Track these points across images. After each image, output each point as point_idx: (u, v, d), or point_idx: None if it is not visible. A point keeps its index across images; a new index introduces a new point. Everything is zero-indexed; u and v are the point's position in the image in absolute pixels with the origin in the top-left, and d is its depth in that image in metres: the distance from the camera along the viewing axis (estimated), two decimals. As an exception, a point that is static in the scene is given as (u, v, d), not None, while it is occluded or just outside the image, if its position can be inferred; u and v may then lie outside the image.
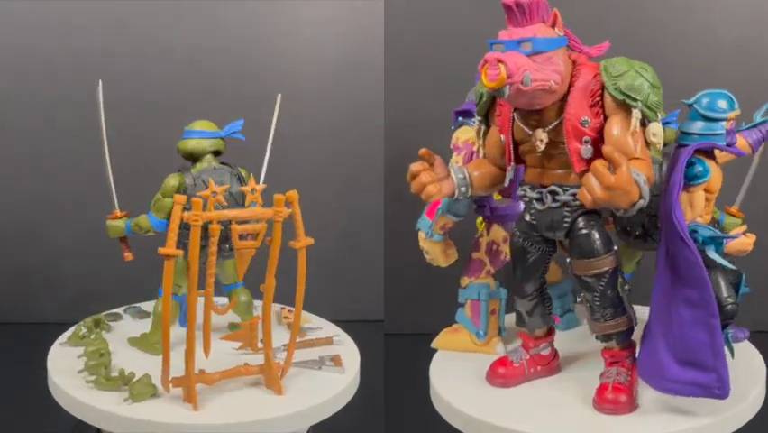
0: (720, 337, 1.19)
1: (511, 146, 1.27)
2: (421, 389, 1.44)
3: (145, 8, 2.09)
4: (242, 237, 1.30)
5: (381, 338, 2.04)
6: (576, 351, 1.48)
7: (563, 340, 1.49)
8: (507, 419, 1.26)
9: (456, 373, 1.42)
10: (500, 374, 1.36)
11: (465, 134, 1.45)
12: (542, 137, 1.22)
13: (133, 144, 2.06)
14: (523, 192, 1.30)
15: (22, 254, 2.16)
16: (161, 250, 1.24)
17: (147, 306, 1.73)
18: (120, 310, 1.71)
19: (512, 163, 1.28)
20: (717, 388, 1.19)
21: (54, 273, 2.17)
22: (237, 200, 1.52)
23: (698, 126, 1.27)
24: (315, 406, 1.35)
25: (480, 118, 1.33)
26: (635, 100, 1.17)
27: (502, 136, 1.28)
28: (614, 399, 1.25)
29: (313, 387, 1.40)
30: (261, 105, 2.15)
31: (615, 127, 1.18)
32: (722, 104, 1.28)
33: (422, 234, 1.46)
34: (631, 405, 1.26)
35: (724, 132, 1.26)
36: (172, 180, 1.51)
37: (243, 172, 1.58)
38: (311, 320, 1.66)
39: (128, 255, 1.62)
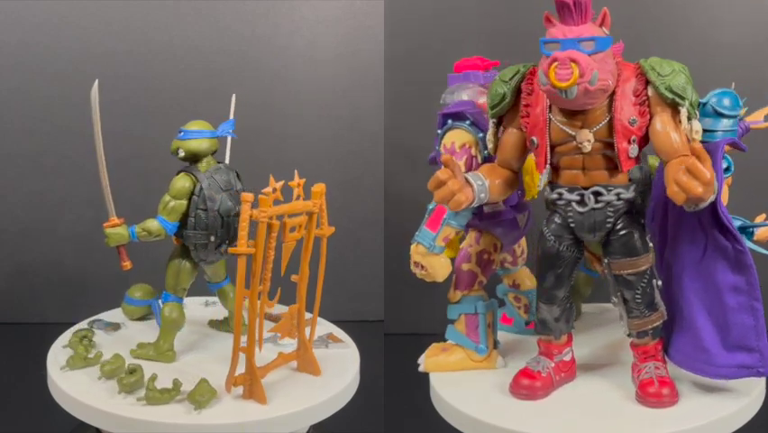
0: (763, 319, 1.24)
1: (547, 148, 1.25)
2: (421, 389, 1.44)
3: (145, 8, 2.09)
4: (290, 230, 1.35)
5: (381, 338, 2.04)
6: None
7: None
8: (507, 420, 1.26)
9: (456, 374, 1.43)
10: (526, 386, 1.32)
11: (461, 138, 1.40)
12: (589, 138, 1.22)
13: (129, 145, 2.07)
14: (557, 195, 1.27)
15: (22, 254, 2.16)
16: (233, 249, 1.27)
17: (110, 316, 1.69)
18: (84, 325, 1.63)
19: (547, 166, 1.26)
20: (761, 366, 1.25)
21: (54, 273, 2.17)
22: (234, 195, 1.53)
23: (707, 123, 1.30)
24: (315, 406, 1.35)
25: (495, 120, 1.32)
26: (683, 99, 1.19)
27: (534, 138, 1.26)
28: (657, 392, 1.27)
29: (313, 387, 1.40)
30: (261, 104, 2.15)
31: (664, 126, 1.21)
32: (730, 101, 1.33)
33: (420, 249, 1.36)
34: (674, 397, 1.27)
35: (737, 128, 1.31)
36: (183, 182, 1.48)
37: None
38: (273, 305, 1.69)
39: (127, 264, 1.53)
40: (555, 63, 1.15)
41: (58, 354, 1.50)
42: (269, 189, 1.29)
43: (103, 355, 1.45)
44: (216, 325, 1.66)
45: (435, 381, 1.41)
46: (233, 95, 1.65)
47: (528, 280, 1.59)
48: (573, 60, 1.14)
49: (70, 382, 1.39)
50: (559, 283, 1.30)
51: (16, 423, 1.66)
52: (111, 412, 1.30)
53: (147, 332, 1.59)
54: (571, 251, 1.29)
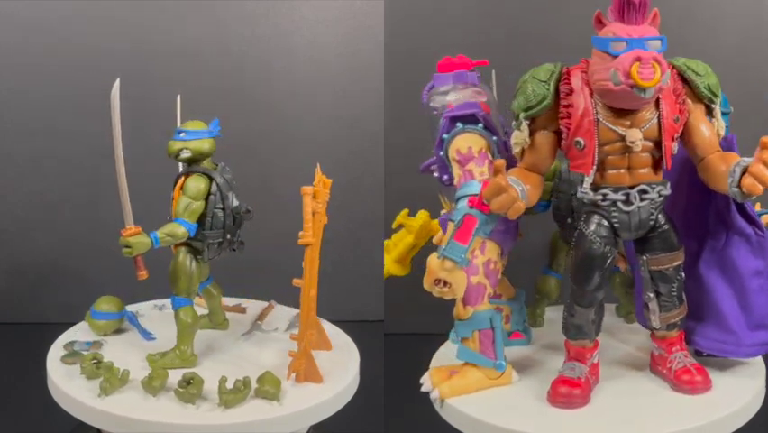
0: None
1: (596, 149, 1.24)
2: (421, 389, 1.43)
3: (145, 8, 2.09)
4: None
5: (381, 338, 2.04)
6: (554, 355, 1.48)
7: (534, 348, 1.52)
8: (508, 419, 1.26)
9: (456, 373, 1.42)
10: (565, 394, 1.29)
11: (477, 143, 1.34)
12: (640, 137, 1.23)
13: (129, 144, 2.06)
14: (602, 196, 1.26)
15: (21, 254, 2.16)
16: (303, 241, 1.34)
17: (82, 334, 1.60)
18: (62, 350, 1.52)
19: (594, 167, 1.25)
20: None
21: (54, 273, 2.17)
22: (236, 193, 1.54)
23: None
24: (315, 406, 1.36)
25: (528, 122, 1.28)
26: (716, 97, 1.26)
27: (581, 140, 1.25)
28: (695, 379, 1.31)
29: (313, 387, 1.40)
30: (261, 104, 2.15)
31: (700, 123, 1.27)
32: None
33: (447, 264, 1.25)
34: (709, 383, 1.31)
35: (727, 124, 1.35)
36: (199, 183, 1.47)
37: None
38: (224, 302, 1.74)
39: (144, 273, 1.46)
40: (638, 62, 1.16)
41: (58, 354, 1.50)
42: (318, 182, 1.38)
43: (131, 373, 1.38)
44: (202, 324, 1.65)
45: (435, 381, 1.41)
46: (178, 96, 1.62)
47: (509, 289, 1.55)
48: (656, 60, 1.17)
49: (70, 382, 1.39)
50: (602, 284, 1.30)
51: (16, 423, 1.66)
52: (111, 412, 1.30)
53: (136, 343, 1.57)
54: (612, 251, 1.30)
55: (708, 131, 1.27)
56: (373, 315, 2.16)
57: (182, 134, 1.50)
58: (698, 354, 1.39)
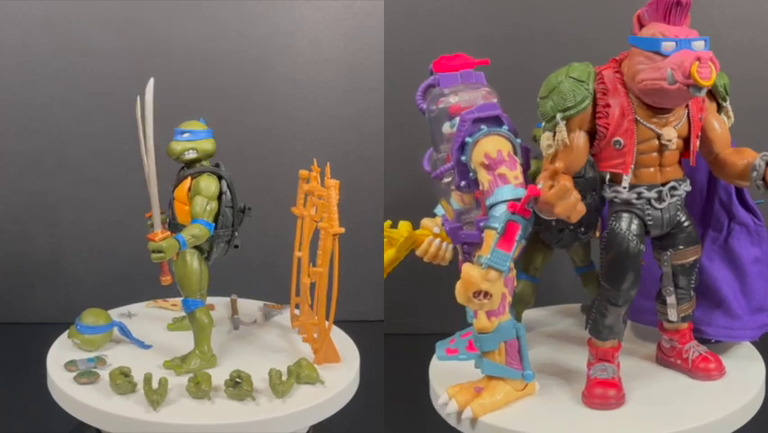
0: None
1: (635, 148, 1.25)
2: (421, 389, 1.43)
3: (145, 8, 2.09)
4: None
5: (381, 338, 2.04)
6: (551, 357, 1.48)
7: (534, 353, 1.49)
8: (508, 420, 1.26)
9: (455, 373, 1.41)
10: (601, 395, 1.28)
11: (506, 146, 1.26)
12: (674, 134, 1.26)
13: (128, 144, 2.06)
14: (636, 194, 1.27)
15: (21, 254, 2.16)
16: (333, 231, 1.38)
17: (76, 353, 1.50)
18: (64, 371, 1.43)
19: (632, 166, 1.26)
20: None
21: (54, 274, 2.17)
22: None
23: None
24: (315, 406, 1.36)
25: (565, 122, 1.24)
26: (728, 94, 1.30)
27: (621, 139, 1.24)
28: (710, 367, 1.36)
29: (313, 387, 1.40)
30: (261, 104, 2.15)
31: (715, 120, 1.31)
32: None
33: (492, 275, 1.19)
34: (723, 369, 1.37)
35: None
36: (211, 183, 1.47)
37: None
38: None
39: (169, 278, 1.46)
40: (699, 62, 1.16)
41: (58, 354, 1.50)
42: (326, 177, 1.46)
43: (168, 381, 1.34)
44: (183, 326, 1.62)
45: (435, 381, 1.41)
46: (138, 96, 1.60)
47: None
48: (711, 60, 1.18)
49: (70, 382, 1.39)
50: (637, 282, 1.30)
51: (16, 423, 1.66)
52: (111, 412, 1.30)
53: (137, 352, 1.54)
54: (643, 249, 1.30)
55: (722, 128, 1.30)
56: (373, 315, 2.16)
57: (186, 135, 1.49)
58: (702, 342, 1.41)
